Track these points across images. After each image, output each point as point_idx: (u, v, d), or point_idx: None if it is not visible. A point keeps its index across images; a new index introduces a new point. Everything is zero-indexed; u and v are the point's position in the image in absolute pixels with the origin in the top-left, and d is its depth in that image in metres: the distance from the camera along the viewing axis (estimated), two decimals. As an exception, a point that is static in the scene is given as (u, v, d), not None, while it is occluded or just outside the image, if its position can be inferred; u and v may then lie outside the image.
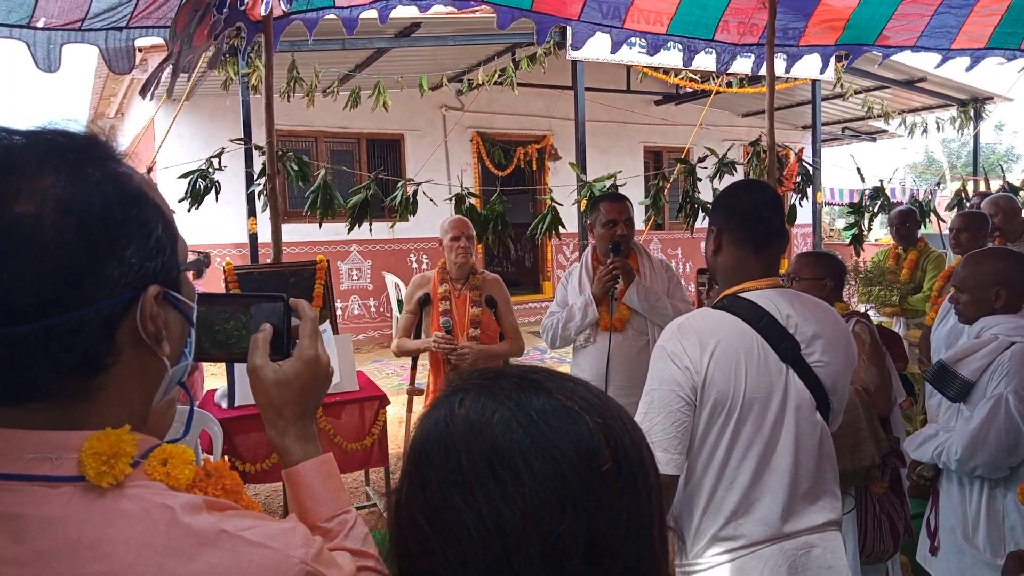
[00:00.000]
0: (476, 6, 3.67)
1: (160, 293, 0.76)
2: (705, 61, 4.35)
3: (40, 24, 3.29)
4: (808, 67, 4.52)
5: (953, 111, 10.67)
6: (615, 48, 4.18)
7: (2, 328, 0.67)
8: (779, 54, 4.37)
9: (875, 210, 5.63)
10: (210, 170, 4.23)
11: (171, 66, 2.74)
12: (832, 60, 4.53)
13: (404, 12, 3.61)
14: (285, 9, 2.57)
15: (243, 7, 3.06)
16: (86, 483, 0.70)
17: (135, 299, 0.73)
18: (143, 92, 2.82)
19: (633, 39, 4.18)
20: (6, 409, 0.71)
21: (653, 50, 4.27)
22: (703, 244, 1.98)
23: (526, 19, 3.71)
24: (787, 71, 4.92)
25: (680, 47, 4.24)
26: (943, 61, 4.52)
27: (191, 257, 0.87)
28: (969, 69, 4.62)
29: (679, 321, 1.78)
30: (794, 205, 5.48)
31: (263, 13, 3.31)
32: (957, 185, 7.81)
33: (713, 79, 8.98)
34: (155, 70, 2.96)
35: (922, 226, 5.49)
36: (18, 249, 0.66)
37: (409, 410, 4.11)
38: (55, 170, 0.70)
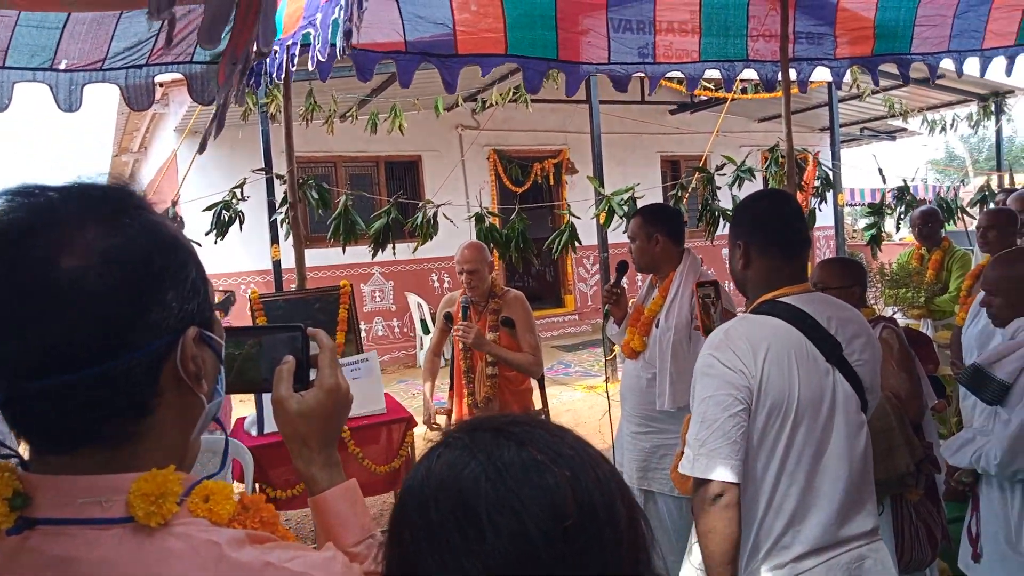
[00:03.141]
0: (500, 63, 3.72)
1: (198, 334, 0.79)
2: (748, 74, 4.37)
3: (62, 66, 3.38)
4: (827, 71, 4.51)
5: (973, 107, 10.54)
6: (652, 87, 4.21)
7: (56, 376, 0.69)
8: (820, 68, 4.36)
9: (902, 209, 5.57)
10: (234, 201, 4.29)
11: (218, 119, 2.84)
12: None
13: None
14: (322, 58, 2.62)
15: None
16: (135, 524, 0.73)
17: (175, 341, 0.76)
18: (201, 150, 2.92)
19: (672, 74, 4.21)
20: (58, 456, 0.74)
21: (692, 84, 4.30)
22: (725, 252, 1.96)
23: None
24: (837, 87, 4.90)
25: (719, 72, 4.25)
26: (984, 63, 4.45)
27: (218, 296, 0.89)
28: (1009, 71, 4.54)
29: (724, 328, 1.79)
30: (813, 209, 5.44)
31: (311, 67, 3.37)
32: (981, 181, 7.71)
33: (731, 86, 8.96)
34: (208, 128, 3.07)
35: (946, 224, 5.42)
36: (69, 301, 0.69)
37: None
38: (95, 223, 0.73)
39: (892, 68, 4.47)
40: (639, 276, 3.32)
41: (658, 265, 3.09)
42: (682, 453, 1.77)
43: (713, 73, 4.29)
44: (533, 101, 8.56)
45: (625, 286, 3.35)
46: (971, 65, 4.48)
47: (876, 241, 5.44)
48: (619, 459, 3.26)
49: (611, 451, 3.47)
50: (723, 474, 1.61)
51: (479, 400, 3.57)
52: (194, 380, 0.78)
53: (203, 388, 0.80)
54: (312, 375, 1.01)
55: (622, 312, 3.27)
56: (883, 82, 9.97)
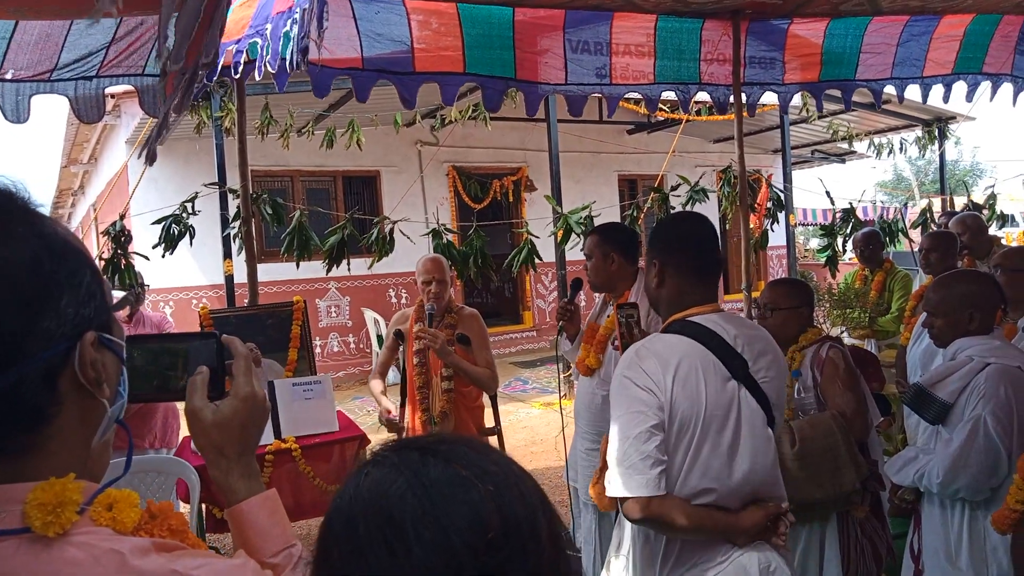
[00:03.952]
0: (461, 82, 3.74)
1: (96, 338, 0.77)
2: (701, 96, 4.47)
3: (8, 76, 3.29)
4: (774, 96, 4.64)
5: (918, 131, 10.91)
6: (612, 108, 4.27)
7: None
8: (769, 92, 4.48)
9: (847, 231, 5.72)
10: (184, 215, 4.21)
11: (161, 128, 2.78)
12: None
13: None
14: (272, 68, 2.59)
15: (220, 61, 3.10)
16: (32, 534, 0.70)
17: (72, 347, 0.74)
18: (150, 160, 2.84)
19: (629, 95, 4.28)
20: None
21: (652, 105, 4.38)
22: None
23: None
24: (785, 111, 5.05)
25: (675, 94, 4.33)
26: (925, 90, 4.63)
27: (116, 296, 0.88)
28: (946, 98, 4.74)
29: (635, 348, 1.84)
30: (766, 230, 5.55)
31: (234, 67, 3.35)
32: (925, 203, 7.96)
33: (687, 107, 9.13)
34: (152, 138, 3.00)
35: (889, 246, 5.57)
36: None
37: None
38: None
39: (838, 93, 4.63)
40: (596, 294, 3.35)
41: (613, 283, 3.13)
42: (600, 471, 1.84)
43: (669, 95, 4.38)
44: (492, 119, 8.61)
45: (579, 303, 3.38)
46: (912, 91, 4.66)
47: (832, 262, 5.57)
48: (573, 476, 3.27)
49: (564, 468, 3.49)
50: (641, 489, 1.67)
51: (435, 415, 3.54)
52: (95, 385, 0.76)
53: (104, 392, 0.78)
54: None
55: (575, 329, 3.31)
56: (832, 106, 10.28)
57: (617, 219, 10.75)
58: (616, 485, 1.70)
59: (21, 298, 0.70)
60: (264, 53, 2.57)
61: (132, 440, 0.90)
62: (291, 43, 2.41)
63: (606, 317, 3.14)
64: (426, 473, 0.70)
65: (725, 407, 1.75)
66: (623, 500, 1.71)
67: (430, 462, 0.71)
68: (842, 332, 4.98)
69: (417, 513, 0.67)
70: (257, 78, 2.84)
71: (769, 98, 4.69)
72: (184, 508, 3.41)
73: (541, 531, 0.71)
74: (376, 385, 3.82)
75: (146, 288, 4.34)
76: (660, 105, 8.84)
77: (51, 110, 4.60)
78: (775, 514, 1.78)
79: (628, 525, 1.85)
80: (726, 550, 1.74)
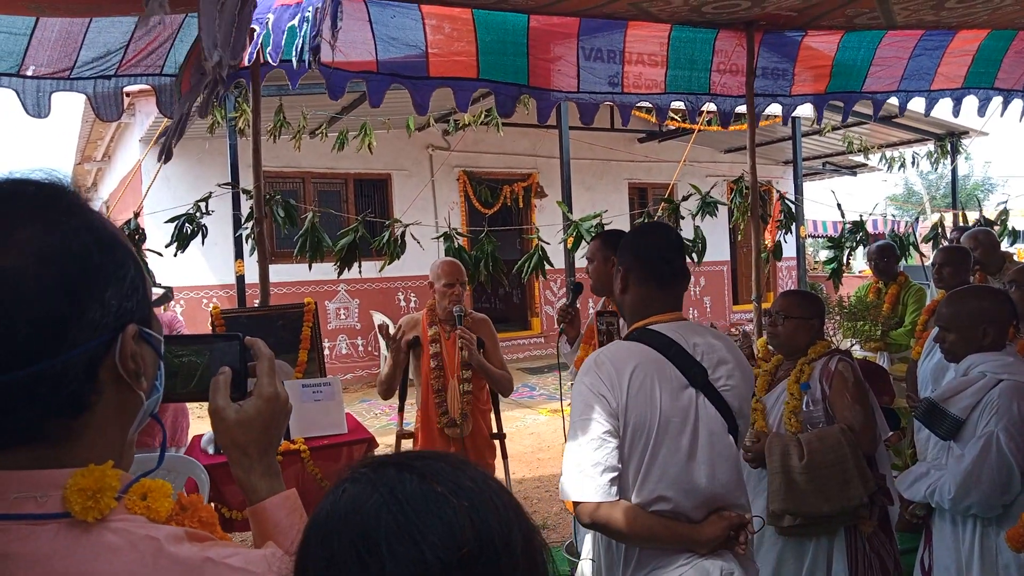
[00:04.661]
0: (475, 87, 3.76)
1: (137, 331, 0.78)
2: (710, 107, 4.49)
3: (29, 72, 3.33)
4: (797, 109, 4.65)
5: (930, 146, 10.87)
6: (625, 118, 4.30)
7: None
8: (774, 104, 4.49)
9: (855, 244, 5.70)
10: (197, 214, 4.23)
11: (178, 127, 2.80)
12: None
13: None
14: (272, 61, 2.61)
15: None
16: (71, 519, 0.72)
17: (114, 339, 0.76)
18: (166, 159, 2.86)
19: (640, 104, 4.30)
20: None
21: (662, 115, 4.40)
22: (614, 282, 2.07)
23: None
24: (784, 122, 5.07)
25: (684, 104, 4.36)
26: (930, 104, 4.64)
27: (155, 292, 0.89)
28: (956, 112, 4.74)
29: (594, 355, 1.88)
30: (779, 242, 5.54)
31: (247, 63, 3.37)
32: (936, 218, 7.93)
33: (697, 117, 9.14)
34: (169, 135, 3.02)
35: (902, 260, 5.55)
36: (4, 302, 0.68)
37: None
38: (30, 221, 0.72)
39: (840, 104, 4.64)
40: (590, 299, 3.37)
41: (612, 287, 3.17)
42: None
43: (678, 104, 4.39)
44: (504, 125, 8.63)
45: (579, 307, 3.46)
46: (916, 103, 4.66)
47: (837, 275, 5.55)
48: None
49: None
50: (593, 495, 1.71)
51: (456, 417, 3.55)
52: (133, 377, 0.78)
53: (142, 385, 0.80)
54: (251, 384, 1.01)
55: (575, 332, 3.37)
56: (840, 118, 10.26)
57: (627, 227, 10.76)
58: (568, 489, 1.75)
59: (70, 287, 0.72)
60: (261, 42, 2.57)
61: (165, 434, 0.91)
62: (297, 40, 2.42)
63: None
64: (402, 489, 0.70)
65: (681, 414, 1.78)
66: (575, 504, 1.75)
67: (406, 478, 0.71)
68: (852, 345, 4.96)
69: (391, 528, 0.67)
70: (246, 63, 2.82)
71: (774, 110, 4.70)
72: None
73: (516, 547, 0.71)
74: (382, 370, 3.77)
75: (171, 289, 4.41)
76: (671, 114, 8.87)
77: (66, 107, 4.63)
78: (737, 524, 1.78)
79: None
80: (688, 555, 1.75)
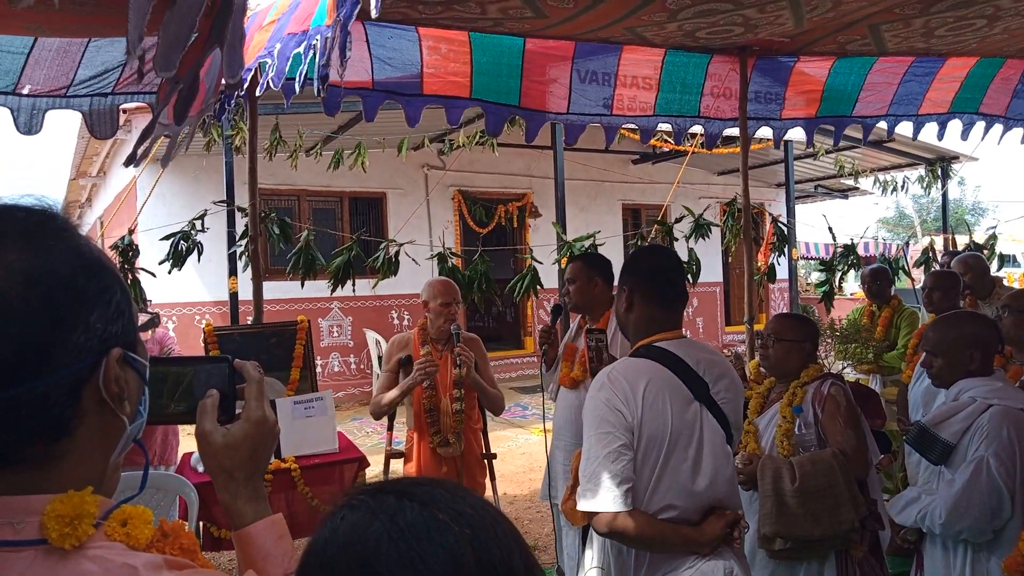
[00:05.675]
0: (466, 106, 3.81)
1: (121, 355, 0.78)
2: (696, 129, 4.55)
3: (25, 91, 3.34)
4: (788, 133, 4.71)
5: (921, 170, 10.97)
6: (610, 139, 4.35)
7: None
8: (765, 127, 4.55)
9: (846, 268, 5.74)
10: (193, 232, 4.24)
11: (147, 134, 2.80)
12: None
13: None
14: (275, 87, 2.64)
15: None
16: (48, 546, 0.71)
17: (98, 362, 0.76)
18: (128, 163, 2.86)
19: (626, 125, 4.36)
20: None
21: (646, 136, 4.46)
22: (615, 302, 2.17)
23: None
24: (776, 145, 5.13)
25: (671, 127, 4.42)
26: (917, 127, 4.71)
27: (142, 318, 0.89)
28: (940, 136, 4.82)
29: (606, 371, 1.96)
30: (773, 264, 5.57)
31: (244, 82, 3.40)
32: (927, 241, 7.99)
33: (688, 140, 9.22)
34: (138, 140, 3.02)
35: (894, 283, 5.59)
36: None
37: (386, 473, 4.05)
38: (18, 244, 0.72)
39: (830, 128, 4.71)
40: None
41: (594, 306, 3.34)
42: (572, 487, 2.00)
43: (665, 126, 4.45)
44: (499, 145, 8.68)
45: (558, 328, 3.64)
46: (904, 127, 4.74)
47: (829, 297, 5.58)
48: (554, 494, 3.34)
49: (543, 486, 3.62)
50: (612, 504, 1.79)
51: (448, 436, 3.54)
52: (117, 401, 0.78)
53: (125, 409, 0.79)
54: (239, 408, 1.01)
55: (555, 352, 3.52)
56: (830, 141, 10.36)
57: (621, 248, 10.81)
58: (587, 500, 1.83)
59: (55, 311, 0.72)
60: (269, 72, 2.61)
61: (148, 458, 0.91)
62: (302, 67, 2.44)
63: (583, 338, 3.24)
64: (403, 517, 0.70)
65: (689, 427, 1.88)
66: (593, 514, 1.83)
67: (406, 506, 0.71)
68: (844, 368, 4.98)
69: (393, 557, 0.67)
70: (257, 93, 2.88)
71: (764, 133, 4.75)
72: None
73: (518, 573, 0.71)
74: (381, 396, 3.68)
75: (157, 315, 4.42)
76: (665, 136, 8.93)
77: (62, 122, 4.65)
78: (733, 521, 1.89)
79: (601, 537, 1.96)
80: (693, 559, 1.84)
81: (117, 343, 0.78)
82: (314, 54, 2.28)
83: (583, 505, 1.85)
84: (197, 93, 2.03)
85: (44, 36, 3.03)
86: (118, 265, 4.21)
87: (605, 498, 1.79)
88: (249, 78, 2.91)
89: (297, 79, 2.47)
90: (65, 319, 0.73)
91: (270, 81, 2.62)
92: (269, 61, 2.67)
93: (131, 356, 0.81)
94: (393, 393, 3.56)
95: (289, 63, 2.54)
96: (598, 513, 1.81)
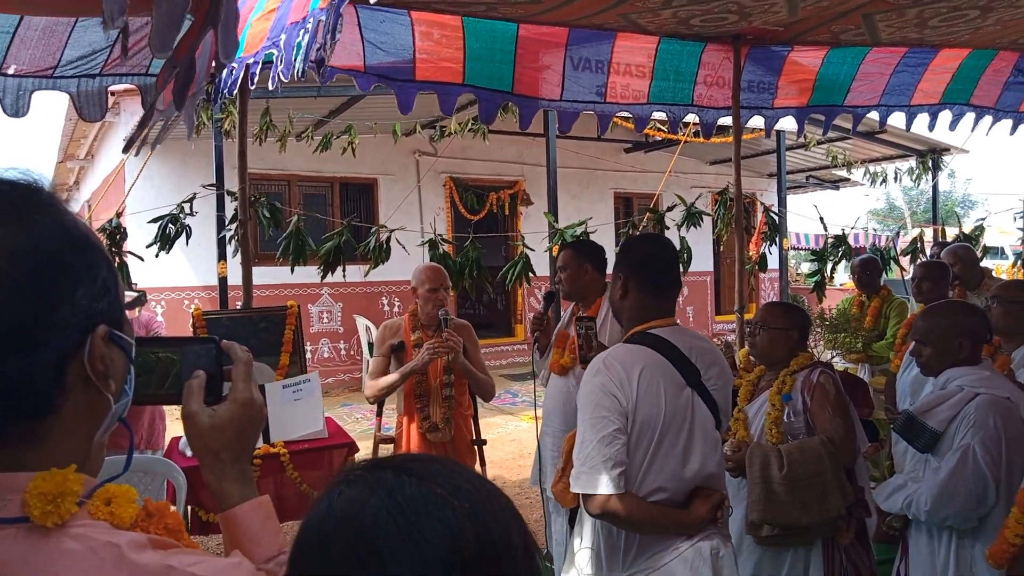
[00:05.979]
0: (459, 92, 3.78)
1: (107, 333, 0.77)
2: (691, 118, 4.54)
3: (10, 71, 3.29)
4: (780, 122, 4.71)
5: (912, 162, 11.00)
6: (603, 127, 4.33)
7: None
8: (756, 116, 4.54)
9: (837, 258, 5.76)
10: (181, 215, 4.21)
11: (147, 120, 2.77)
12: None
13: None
14: (284, 77, 2.62)
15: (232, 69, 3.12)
16: (30, 524, 0.70)
17: (84, 339, 0.75)
18: (127, 150, 2.84)
19: (620, 113, 4.34)
20: None
21: (640, 125, 4.45)
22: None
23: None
24: (768, 134, 5.13)
25: (665, 115, 4.41)
26: (909, 118, 4.72)
27: (129, 296, 0.88)
28: (932, 126, 4.83)
29: (602, 357, 2.00)
30: (764, 254, 5.58)
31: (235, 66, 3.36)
32: (916, 232, 8.02)
33: (681, 129, 9.21)
34: (138, 127, 3.00)
35: (884, 273, 5.61)
36: None
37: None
38: (2, 219, 0.71)
39: (821, 118, 4.71)
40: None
41: (585, 293, 3.35)
42: (562, 470, 2.05)
43: (659, 115, 4.44)
44: (491, 132, 8.64)
45: (550, 315, 3.65)
46: (896, 118, 4.75)
47: (820, 287, 5.60)
48: (544, 480, 3.33)
49: (534, 471, 3.63)
50: (605, 487, 1.83)
51: (438, 422, 3.53)
52: (102, 379, 0.77)
53: (111, 388, 0.79)
54: (226, 389, 1.00)
55: (547, 339, 3.53)
56: (828, 133, 10.37)
57: (612, 236, 10.82)
58: (581, 482, 1.87)
59: (40, 287, 0.71)
60: (278, 63, 2.60)
61: (133, 438, 0.90)
62: (301, 52, 2.43)
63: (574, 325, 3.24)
64: (401, 491, 0.70)
65: (681, 412, 1.93)
66: (586, 496, 1.87)
67: (404, 481, 0.71)
68: (833, 357, 5.00)
69: (392, 532, 0.67)
70: (270, 86, 2.86)
71: (756, 122, 4.75)
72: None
73: (516, 548, 0.71)
74: (378, 379, 3.64)
75: (144, 292, 4.38)
76: (658, 125, 8.91)
77: (49, 105, 4.60)
78: (718, 502, 1.94)
79: (591, 520, 1.99)
80: (681, 539, 1.90)
81: (103, 320, 0.77)
82: (307, 36, 2.26)
83: (576, 487, 1.88)
84: (193, 77, 2.01)
85: (29, 14, 2.99)
86: (107, 247, 4.17)
87: (599, 481, 1.82)
88: (258, 71, 2.88)
89: (296, 66, 2.46)
90: (51, 295, 0.72)
91: (280, 73, 2.60)
92: (276, 52, 2.64)
93: (117, 334, 0.80)
94: (393, 376, 3.54)
95: (294, 52, 2.52)
96: (591, 495, 1.85)
